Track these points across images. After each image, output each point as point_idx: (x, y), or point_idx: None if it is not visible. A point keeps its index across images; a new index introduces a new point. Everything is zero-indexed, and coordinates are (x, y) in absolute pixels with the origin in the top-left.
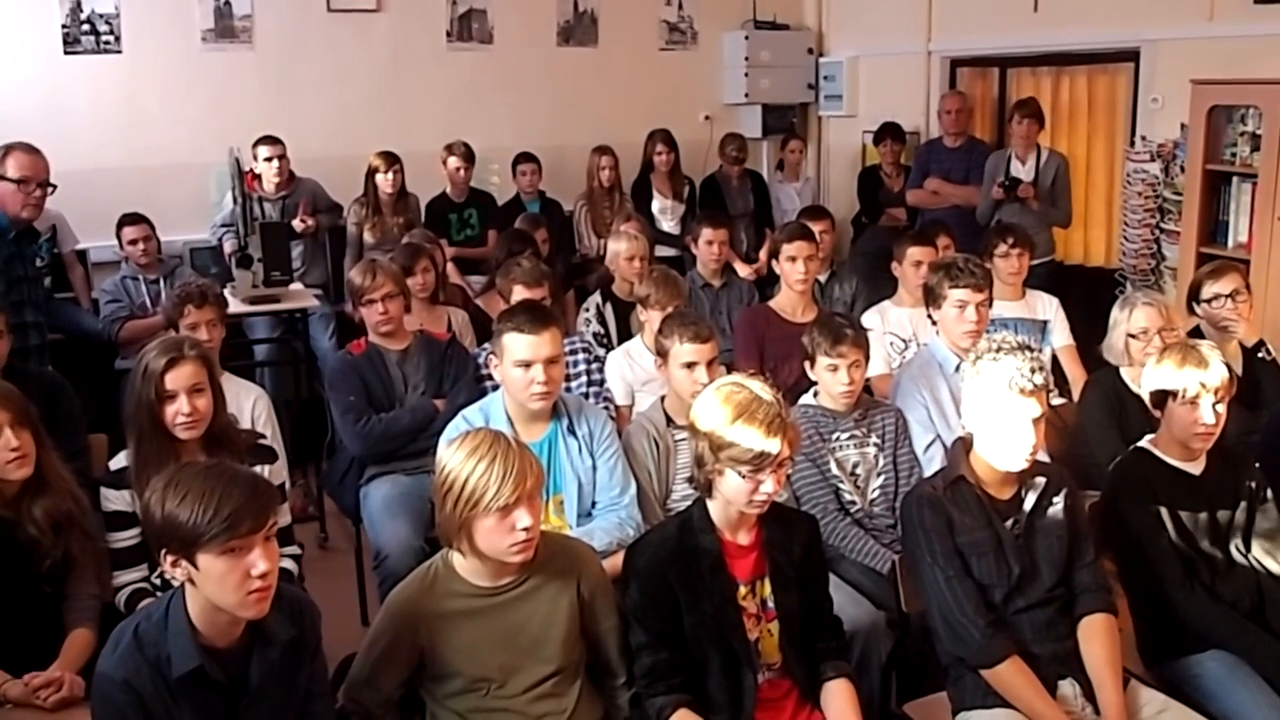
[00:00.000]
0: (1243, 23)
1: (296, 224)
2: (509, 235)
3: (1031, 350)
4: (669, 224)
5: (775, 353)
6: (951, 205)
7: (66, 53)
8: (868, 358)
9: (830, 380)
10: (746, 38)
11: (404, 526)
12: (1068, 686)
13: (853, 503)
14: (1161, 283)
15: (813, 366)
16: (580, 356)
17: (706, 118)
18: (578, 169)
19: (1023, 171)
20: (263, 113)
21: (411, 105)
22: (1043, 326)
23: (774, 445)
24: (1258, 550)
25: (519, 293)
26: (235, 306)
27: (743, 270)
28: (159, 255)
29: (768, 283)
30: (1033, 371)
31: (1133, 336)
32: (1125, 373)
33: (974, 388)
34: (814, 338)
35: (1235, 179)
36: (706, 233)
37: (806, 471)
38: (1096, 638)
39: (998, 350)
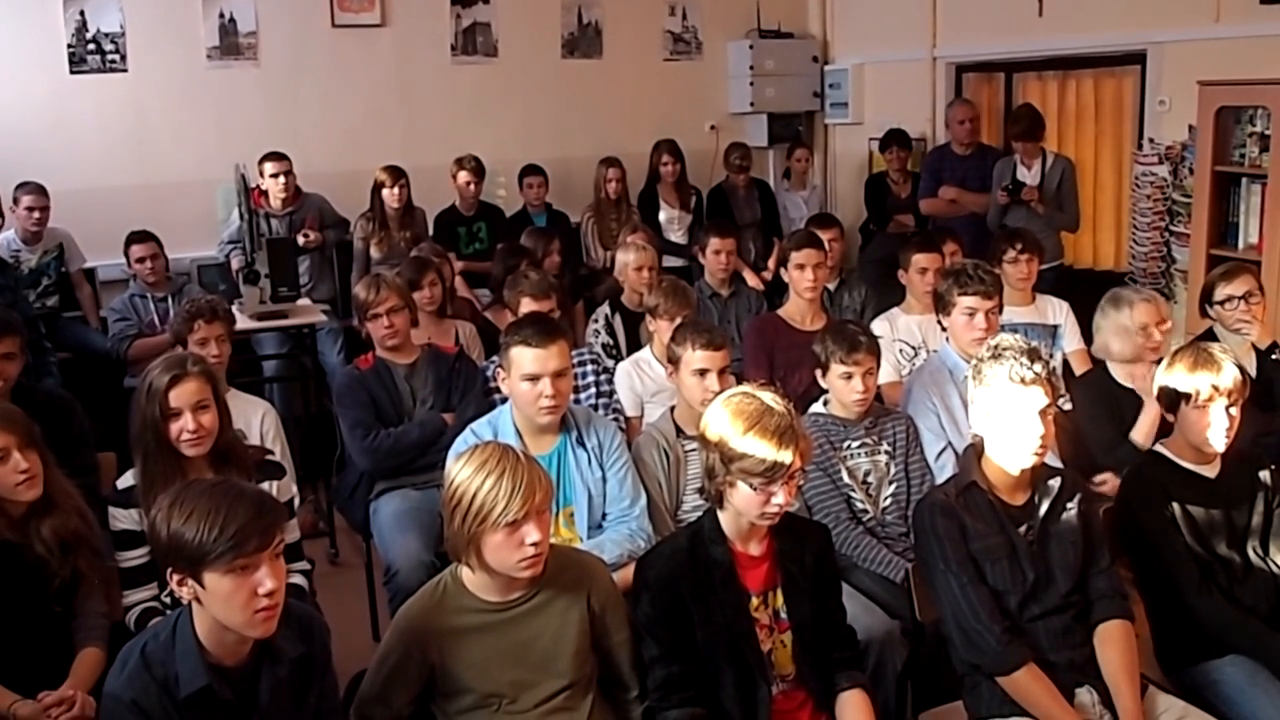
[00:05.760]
0: (1249, 23)
1: (299, 238)
2: (505, 250)
3: (1031, 345)
4: (676, 234)
5: (785, 361)
6: (969, 213)
7: (72, 72)
8: (879, 364)
9: (844, 388)
10: (751, 47)
11: (414, 541)
12: (1085, 694)
13: (865, 511)
14: (1172, 285)
15: (824, 374)
16: (589, 368)
17: (712, 127)
18: (584, 181)
19: (1028, 176)
20: (268, 129)
21: (417, 119)
22: (1053, 331)
23: (785, 456)
24: (1275, 553)
25: (527, 305)
26: (243, 323)
27: (751, 279)
28: (167, 273)
29: (776, 291)
30: (1031, 361)
31: (1136, 330)
32: (1114, 370)
33: (978, 391)
34: (827, 346)
35: (1245, 180)
36: (714, 242)
37: (818, 480)
38: (1113, 644)
39: (995, 349)
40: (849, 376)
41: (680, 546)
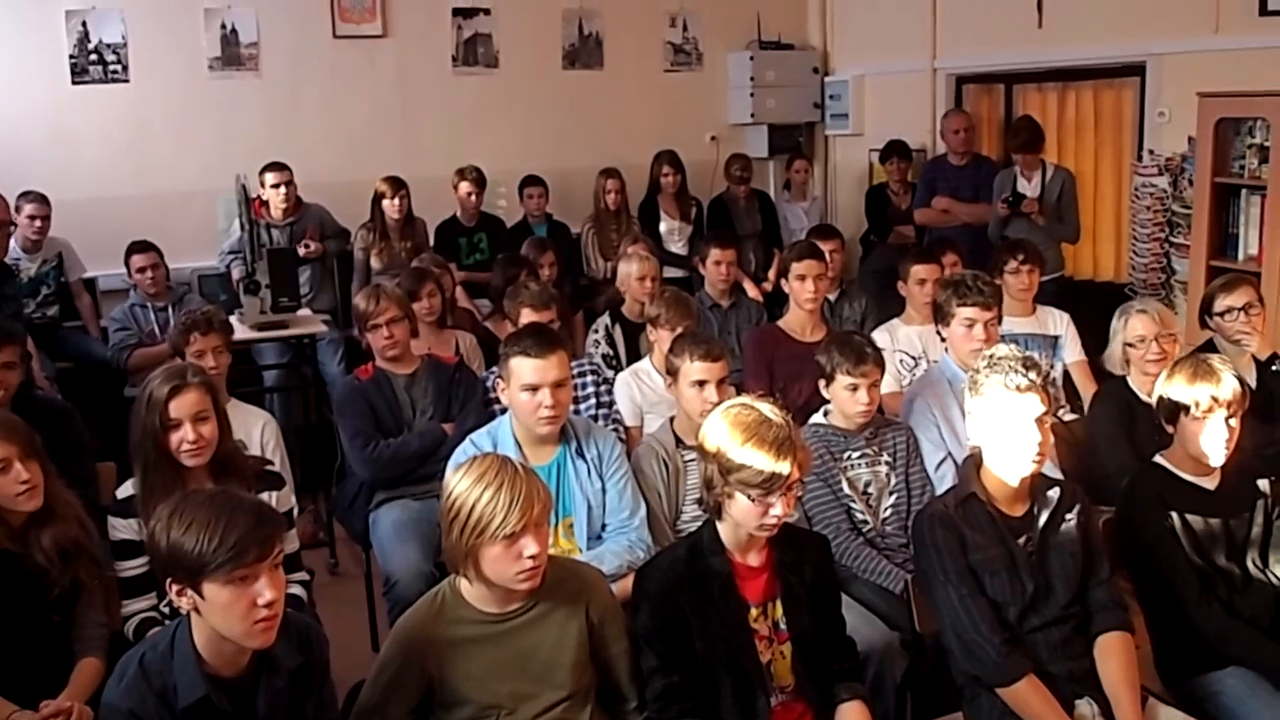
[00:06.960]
0: (1248, 35)
1: (300, 249)
2: (504, 260)
3: (1026, 354)
4: (677, 245)
5: (785, 372)
6: (962, 223)
7: (74, 83)
8: (883, 376)
9: (848, 399)
10: (751, 58)
11: (414, 551)
12: (1085, 706)
13: (865, 522)
14: (1172, 296)
15: (828, 386)
16: (589, 379)
17: (713, 138)
18: (584, 191)
19: (1028, 188)
20: (269, 139)
21: (418, 130)
22: (1054, 342)
23: (784, 468)
24: (1275, 564)
25: (527, 316)
26: (243, 333)
27: (751, 291)
28: (167, 283)
29: (776, 302)
30: (1026, 369)
31: (1130, 345)
32: (1133, 382)
33: (975, 402)
34: (833, 357)
35: (1244, 191)
36: (715, 253)
37: (818, 491)
38: (1113, 656)
39: (990, 359)
40: (854, 388)
41: (679, 557)
